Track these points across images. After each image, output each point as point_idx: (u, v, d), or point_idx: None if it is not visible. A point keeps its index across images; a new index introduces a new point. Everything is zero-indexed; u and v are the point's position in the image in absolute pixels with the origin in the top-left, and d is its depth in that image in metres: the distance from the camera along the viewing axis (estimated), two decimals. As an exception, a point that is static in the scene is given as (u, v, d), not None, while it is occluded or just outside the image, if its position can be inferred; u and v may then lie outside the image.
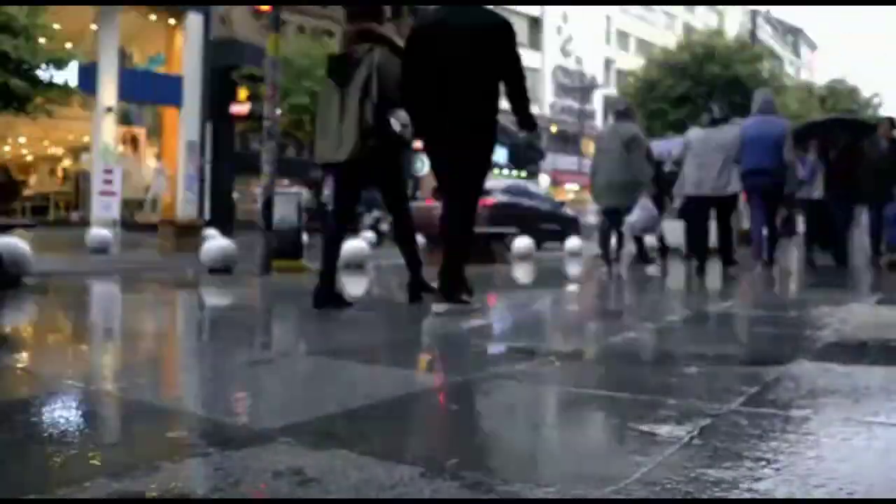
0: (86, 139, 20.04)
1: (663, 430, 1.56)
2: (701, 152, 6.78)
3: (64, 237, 12.76)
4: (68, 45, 14.03)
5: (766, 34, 49.64)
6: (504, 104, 3.77)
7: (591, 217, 17.62)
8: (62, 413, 1.79)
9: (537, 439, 1.59)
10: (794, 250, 11.14)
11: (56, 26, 13.87)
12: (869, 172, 7.81)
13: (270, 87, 6.86)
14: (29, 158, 26.18)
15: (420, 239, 11.91)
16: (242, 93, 18.97)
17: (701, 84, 19.34)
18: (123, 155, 19.76)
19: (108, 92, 18.23)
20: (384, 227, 16.81)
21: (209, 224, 13.81)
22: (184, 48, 20.11)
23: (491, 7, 3.88)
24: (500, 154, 30.09)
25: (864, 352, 2.70)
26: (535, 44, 37.15)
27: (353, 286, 5.87)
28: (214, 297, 5.20)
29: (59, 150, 25.17)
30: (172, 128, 20.47)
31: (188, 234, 11.17)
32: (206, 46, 20.17)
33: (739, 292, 5.51)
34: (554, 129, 35.19)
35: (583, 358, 2.66)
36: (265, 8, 17.59)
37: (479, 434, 1.64)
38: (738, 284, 6.01)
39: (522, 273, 7.58)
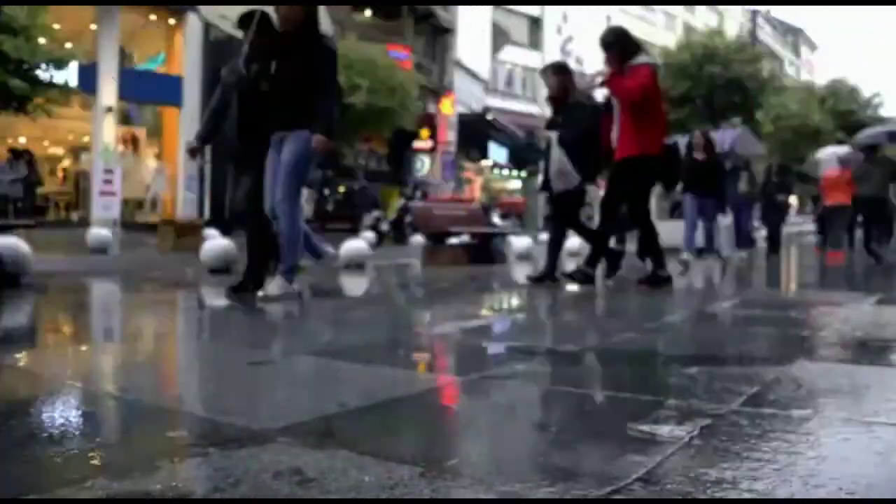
0: (86, 139, 20.01)
1: (663, 430, 1.56)
2: None
3: (64, 237, 12.75)
4: (68, 45, 14.01)
5: (766, 34, 49.58)
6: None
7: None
8: (62, 413, 1.79)
9: (537, 439, 1.59)
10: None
11: (56, 26, 13.85)
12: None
13: (270, 87, 6.84)
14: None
15: (419, 238, 11.90)
16: (242, 93, 18.95)
17: (701, 84, 19.32)
18: (123, 155, 19.74)
19: (108, 92, 18.21)
20: (384, 227, 16.81)
21: (209, 224, 13.80)
22: (184, 48, 20.09)
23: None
24: (501, 154, 30.10)
25: (864, 352, 2.70)
26: (535, 44, 37.13)
27: (352, 286, 5.87)
28: (214, 297, 5.20)
29: (59, 150, 25.13)
30: (172, 128, 20.45)
31: (188, 234, 11.17)
32: (206, 46, 20.16)
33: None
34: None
35: (583, 358, 2.66)
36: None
37: (479, 434, 1.64)
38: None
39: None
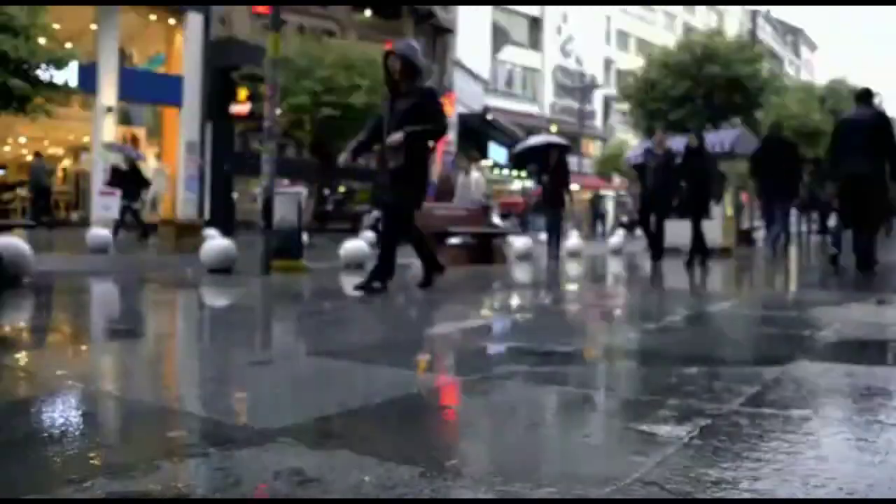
0: (86, 139, 20.03)
1: (663, 430, 1.56)
2: None
3: (64, 237, 12.76)
4: (68, 45, 14.02)
5: (766, 34, 49.59)
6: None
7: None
8: (62, 413, 1.79)
9: (537, 439, 1.59)
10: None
11: (56, 26, 13.86)
12: None
13: (270, 87, 6.85)
14: (29, 158, 26.19)
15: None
16: (242, 93, 18.95)
17: (701, 84, 19.32)
18: (123, 155, 19.73)
19: (108, 92, 18.23)
20: (384, 227, 16.80)
21: (209, 224, 13.81)
22: (184, 48, 20.11)
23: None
24: (500, 154, 30.11)
25: (864, 352, 2.70)
26: (535, 44, 37.15)
27: (353, 286, 5.87)
28: (214, 297, 5.20)
29: (59, 150, 25.15)
30: (172, 128, 20.46)
31: (188, 234, 11.17)
32: (206, 46, 20.17)
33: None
34: (554, 129, 35.22)
35: (583, 358, 2.66)
36: (264, 9, 17.61)
37: (479, 434, 1.64)
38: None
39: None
